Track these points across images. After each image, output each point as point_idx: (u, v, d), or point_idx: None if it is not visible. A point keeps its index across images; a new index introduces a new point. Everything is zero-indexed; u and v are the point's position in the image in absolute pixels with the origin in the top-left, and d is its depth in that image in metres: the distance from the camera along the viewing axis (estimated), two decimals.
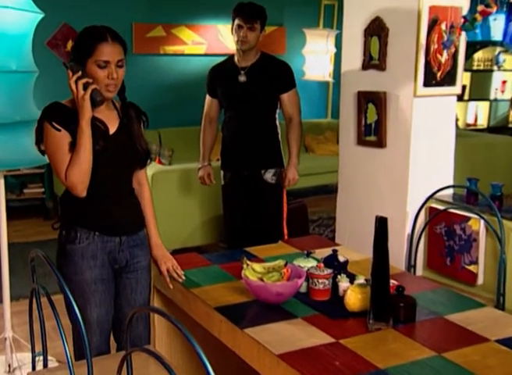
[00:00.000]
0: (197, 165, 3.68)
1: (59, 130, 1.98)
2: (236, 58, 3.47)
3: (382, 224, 1.79)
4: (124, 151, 2.11)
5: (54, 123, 1.98)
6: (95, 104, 2.00)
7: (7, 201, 2.79)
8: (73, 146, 1.97)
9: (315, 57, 6.53)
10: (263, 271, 2.06)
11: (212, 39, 6.47)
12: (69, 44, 5.82)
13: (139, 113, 2.21)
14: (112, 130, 2.10)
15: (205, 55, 6.44)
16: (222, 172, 3.62)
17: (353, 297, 1.92)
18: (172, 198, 4.37)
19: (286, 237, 3.56)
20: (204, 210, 4.48)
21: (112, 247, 2.12)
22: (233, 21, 3.39)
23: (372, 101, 3.11)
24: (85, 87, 1.97)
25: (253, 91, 3.40)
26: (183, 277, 2.23)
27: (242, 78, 3.41)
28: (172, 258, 2.29)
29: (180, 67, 6.44)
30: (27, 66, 2.70)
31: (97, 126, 2.05)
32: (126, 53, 2.06)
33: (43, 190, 5.72)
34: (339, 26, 5.12)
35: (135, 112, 2.18)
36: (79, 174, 1.97)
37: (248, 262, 2.08)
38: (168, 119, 6.11)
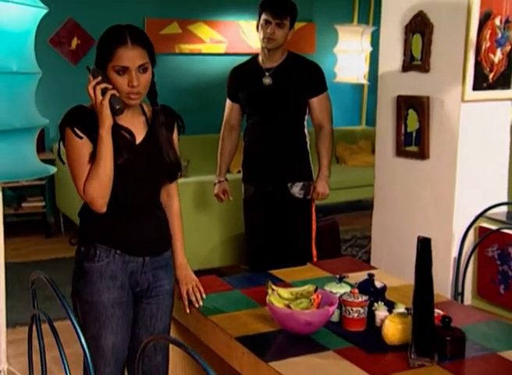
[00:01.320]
0: (214, 179, 3.71)
1: (81, 138, 2.01)
2: (260, 59, 3.49)
3: (424, 246, 1.78)
4: (151, 163, 2.13)
5: (76, 130, 2.01)
6: (114, 112, 2.03)
7: (3, 216, 2.82)
8: (94, 157, 2.01)
9: (348, 57, 6.55)
10: (290, 297, 2.06)
11: (233, 37, 6.54)
12: (74, 42, 5.93)
13: (172, 118, 2.23)
14: (139, 138, 2.12)
15: (225, 54, 6.51)
16: (243, 185, 3.64)
17: (393, 328, 1.91)
18: (188, 214, 4.37)
19: (315, 258, 3.56)
20: (224, 228, 4.50)
21: (134, 267, 2.14)
22: (260, 16, 3.42)
23: (413, 107, 3.11)
24: (103, 92, 2.00)
25: (279, 94, 3.42)
26: (200, 302, 2.25)
27: (267, 80, 3.43)
28: (196, 279, 2.31)
29: (197, 68, 6.51)
30: (29, 67, 2.73)
31: (122, 136, 2.07)
32: (152, 55, 2.08)
33: (43, 204, 5.78)
34: (376, 22, 5.13)
35: (166, 117, 2.19)
36: (98, 188, 2.00)
37: (273, 286, 2.08)
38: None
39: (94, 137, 2.01)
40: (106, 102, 1.99)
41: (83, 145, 2.01)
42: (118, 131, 2.05)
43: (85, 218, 2.16)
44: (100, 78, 2.01)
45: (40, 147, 5.16)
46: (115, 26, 2.07)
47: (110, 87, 2.01)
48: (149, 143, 2.13)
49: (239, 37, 6.55)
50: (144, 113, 2.17)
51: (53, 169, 2.86)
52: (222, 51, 6.52)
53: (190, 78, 6.47)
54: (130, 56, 2.00)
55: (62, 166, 5.26)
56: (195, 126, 6.34)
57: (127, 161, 2.04)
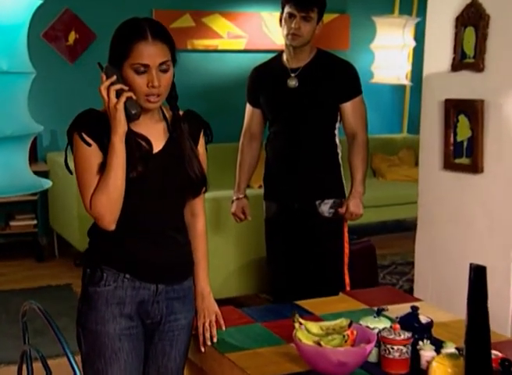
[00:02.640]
0: (231, 195, 3.72)
1: (89, 145, 2.03)
2: (284, 57, 3.51)
3: (478, 275, 1.77)
4: (169, 175, 2.13)
5: (84, 135, 2.03)
6: (130, 117, 2.04)
7: None
8: (104, 167, 2.03)
9: (388, 53, 6.56)
10: (320, 333, 2.05)
11: (254, 31, 6.59)
12: (72, 37, 6.00)
13: (198, 126, 2.24)
14: (157, 147, 2.13)
15: (245, 51, 6.57)
16: (265, 203, 3.65)
17: (441, 371, 1.89)
18: None
19: (348, 287, 3.55)
20: (242, 251, 4.51)
21: (145, 296, 2.15)
22: (283, 9, 3.44)
23: (465, 113, 3.10)
24: (118, 94, 2.02)
25: (306, 99, 3.43)
26: (215, 339, 2.26)
27: (292, 82, 3.45)
28: (217, 311, 2.32)
29: (212, 67, 6.57)
30: (22, 66, 2.75)
31: (137, 144, 2.08)
32: (173, 52, 2.10)
33: (35, 222, 5.82)
34: (421, 13, 5.13)
35: (191, 125, 2.21)
36: (106, 203, 2.02)
37: (301, 320, 2.08)
38: None
39: (105, 145, 2.03)
40: (121, 106, 2.00)
41: (92, 154, 2.04)
42: (133, 139, 2.06)
43: (93, 236, 2.18)
44: (115, 78, 2.02)
45: (33, 157, 5.23)
46: (131, 19, 2.09)
47: (126, 88, 2.03)
48: (169, 152, 2.14)
49: (261, 31, 6.60)
50: (165, 119, 2.19)
51: (47, 183, 2.88)
52: (241, 47, 6.58)
53: (204, 79, 6.53)
54: (151, 53, 2.01)
55: (57, 180, 5.31)
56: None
57: (142, 173, 2.06)
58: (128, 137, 2.04)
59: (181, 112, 2.22)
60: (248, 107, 3.66)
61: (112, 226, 2.05)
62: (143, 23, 2.04)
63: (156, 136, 2.13)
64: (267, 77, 3.55)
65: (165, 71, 2.05)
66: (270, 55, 3.68)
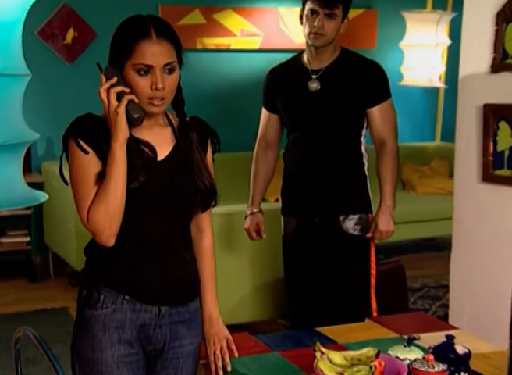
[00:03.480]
0: (245, 209, 3.73)
1: (87, 153, 2.05)
2: (305, 57, 3.52)
3: None
4: (175, 186, 2.14)
5: (81, 142, 2.05)
6: (132, 122, 2.06)
7: None
8: (103, 177, 2.04)
9: (419, 53, 6.54)
10: (344, 363, 2.04)
11: (271, 28, 6.61)
12: (70, 35, 6.03)
13: (206, 133, 2.27)
14: (162, 155, 2.14)
15: (260, 50, 6.59)
16: (282, 218, 3.65)
17: None
18: None
19: (375, 312, 3.54)
20: (257, 272, 4.50)
21: (146, 319, 2.15)
22: (304, 5, 3.45)
23: (506, 119, 3.09)
24: (119, 97, 2.04)
25: (329, 103, 3.43)
26: (229, 368, 2.25)
27: (314, 85, 3.45)
28: (228, 336, 2.32)
29: (224, 68, 6.59)
30: (16, 68, 2.75)
31: (140, 151, 2.10)
32: (180, 52, 2.12)
33: (28, 239, 5.82)
34: (457, 7, 5.13)
35: (199, 132, 2.23)
36: (105, 216, 2.03)
37: (323, 349, 2.07)
38: None
39: (104, 153, 2.04)
40: (122, 110, 2.02)
41: (90, 162, 2.05)
42: (135, 146, 2.08)
43: (90, 254, 2.19)
44: (115, 79, 2.04)
45: (26, 167, 5.24)
46: (134, 16, 2.11)
47: (127, 90, 2.05)
48: (175, 161, 2.16)
49: (278, 28, 6.62)
50: (171, 125, 2.21)
51: (43, 196, 2.88)
52: (256, 46, 6.60)
53: (214, 81, 6.55)
54: (155, 52, 2.03)
55: (53, 192, 5.32)
56: (221, 143, 6.40)
57: (145, 183, 2.07)
58: (129, 143, 2.05)
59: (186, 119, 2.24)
60: (264, 112, 3.67)
61: (111, 242, 2.06)
62: (146, 20, 2.06)
63: (161, 142, 2.15)
64: (285, 79, 3.56)
65: (170, 72, 2.07)
66: (288, 56, 3.69)
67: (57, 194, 5.01)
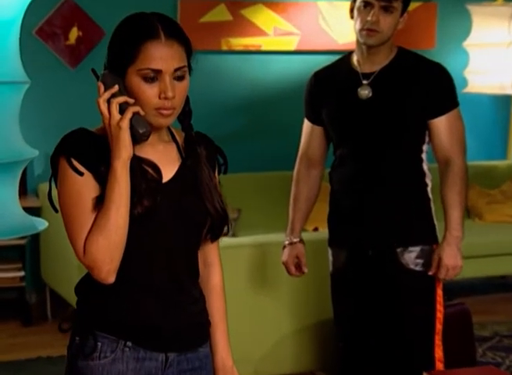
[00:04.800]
0: (282, 239, 3.72)
1: (81, 174, 2.06)
2: (355, 59, 3.52)
3: None
4: (183, 212, 2.17)
5: (74, 162, 2.06)
6: (136, 138, 2.07)
7: None
8: (101, 202, 2.06)
9: (488, 54, 6.50)
10: None
11: (309, 26, 6.61)
12: (74, 34, 6.06)
13: (213, 151, 2.30)
14: (167, 176, 2.17)
15: (297, 52, 6.60)
16: (330, 250, 3.64)
17: None
18: (240, 293, 4.38)
19: (439, 363, 3.51)
20: (296, 314, 4.48)
21: (152, 369, 2.16)
22: None
23: None
24: (122, 109, 2.05)
25: (383, 113, 3.43)
26: None
27: (364, 92, 3.44)
28: None
29: (254, 73, 6.61)
30: (12, 74, 2.77)
31: (142, 172, 2.12)
32: (190, 56, 2.14)
33: (22, 274, 5.82)
34: None
35: (207, 150, 2.26)
36: (105, 248, 2.03)
37: None
38: (233, 160, 6.13)
39: (103, 174, 2.06)
40: (126, 124, 2.03)
41: (85, 185, 2.06)
42: (137, 165, 2.09)
43: (83, 293, 2.20)
44: (116, 88, 2.06)
45: (22, 189, 5.27)
46: (137, 14, 2.13)
47: (132, 101, 2.06)
48: (182, 182, 2.18)
49: (317, 26, 6.62)
50: (175, 141, 2.24)
51: (42, 224, 2.88)
52: (292, 47, 6.60)
53: (243, 88, 6.57)
54: (164, 55, 2.06)
55: (52, 218, 5.35)
56: (250, 160, 6.43)
57: (149, 209, 2.08)
58: (131, 163, 2.06)
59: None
60: (306, 124, 3.67)
61: (112, 278, 2.07)
62: (153, 19, 2.09)
63: (165, 162, 2.17)
64: (331, 85, 3.55)
65: (180, 79, 2.10)
66: (329, 58, 3.69)
67: (56, 221, 4.97)
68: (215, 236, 2.28)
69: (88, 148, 2.08)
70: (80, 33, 6.07)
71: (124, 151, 2.04)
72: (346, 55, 3.59)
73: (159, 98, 2.07)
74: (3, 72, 2.71)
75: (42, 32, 6.00)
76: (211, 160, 2.28)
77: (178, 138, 2.24)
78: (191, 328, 2.23)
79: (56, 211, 2.18)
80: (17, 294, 5.93)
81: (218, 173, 2.33)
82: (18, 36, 2.78)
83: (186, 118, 2.22)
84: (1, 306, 5.97)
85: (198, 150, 2.22)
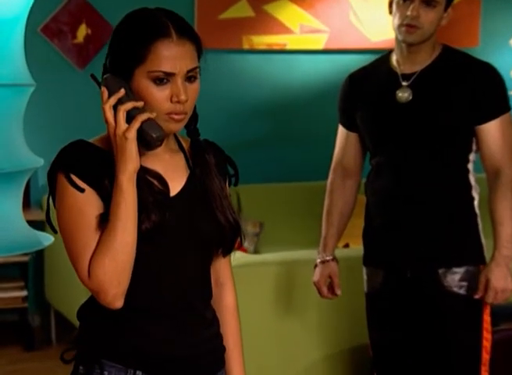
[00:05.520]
0: (310, 256, 3.73)
1: (82, 190, 2.06)
2: (394, 59, 3.51)
3: None
4: (194, 225, 2.18)
5: (73, 177, 2.06)
6: (150, 144, 2.07)
7: None
8: (105, 219, 2.06)
9: None
10: None
11: (339, 22, 6.63)
12: (82, 32, 6.10)
13: (222, 160, 2.31)
14: (176, 188, 2.18)
15: (325, 51, 6.62)
16: (365, 270, 3.63)
17: None
18: (264, 315, 4.40)
19: None
20: (327, 339, 4.49)
21: None
22: None
23: None
24: (130, 116, 2.05)
25: (424, 118, 3.42)
26: None
27: (404, 94, 3.43)
28: None
29: (279, 74, 6.62)
30: (16, 76, 2.80)
31: (150, 185, 2.13)
32: (200, 56, 2.15)
33: (25, 294, 5.85)
34: None
35: (216, 158, 2.27)
36: (112, 270, 2.03)
37: None
38: (255, 169, 6.16)
39: (106, 189, 2.06)
40: (133, 134, 2.02)
41: (87, 202, 2.06)
42: (142, 178, 2.10)
43: (88, 318, 2.20)
44: (123, 92, 2.06)
45: (25, 201, 5.27)
46: (142, 10, 2.14)
47: (140, 104, 2.06)
48: (191, 194, 2.20)
49: (348, 22, 6.64)
50: (182, 150, 2.26)
51: (48, 239, 2.89)
52: (320, 46, 6.62)
53: (266, 91, 6.58)
54: (177, 56, 2.07)
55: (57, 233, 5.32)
56: (274, 170, 6.45)
57: (157, 224, 2.09)
58: (140, 175, 2.07)
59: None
60: (341, 131, 3.66)
61: (119, 303, 2.07)
62: (161, 16, 2.10)
63: (173, 173, 2.19)
64: (367, 88, 3.55)
65: (192, 81, 2.11)
66: (361, 57, 3.70)
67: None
68: (227, 250, 2.29)
69: (89, 161, 2.08)
70: (89, 31, 6.11)
71: (130, 163, 2.03)
72: (385, 55, 3.58)
73: (171, 101, 2.07)
74: (6, 73, 2.73)
75: (48, 29, 6.04)
76: (221, 169, 2.29)
77: (185, 146, 2.26)
78: (205, 354, 2.24)
79: (55, 232, 2.18)
80: (19, 316, 5.97)
81: (229, 185, 2.34)
82: (23, 35, 2.79)
83: (192, 122, 2.22)
84: (2, 329, 6.00)
85: (207, 158, 2.24)
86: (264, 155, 6.34)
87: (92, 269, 2.03)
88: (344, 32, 6.62)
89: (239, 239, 2.30)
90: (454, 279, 3.44)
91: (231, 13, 6.41)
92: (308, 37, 6.59)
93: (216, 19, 6.31)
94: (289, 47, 6.58)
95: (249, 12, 6.46)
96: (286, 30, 6.55)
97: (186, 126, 2.21)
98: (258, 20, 6.49)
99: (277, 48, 6.57)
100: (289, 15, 6.54)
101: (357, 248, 3.73)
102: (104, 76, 2.11)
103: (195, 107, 2.20)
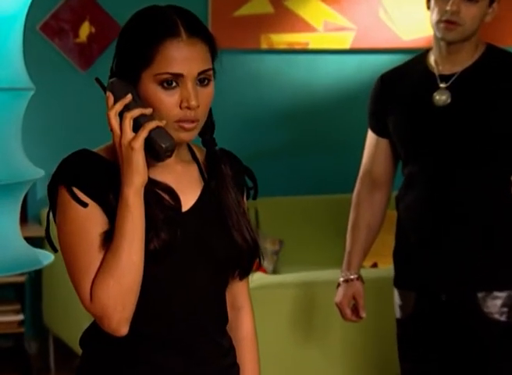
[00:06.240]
0: (333, 276, 3.72)
1: (85, 205, 2.05)
2: (432, 59, 3.50)
3: None
4: (208, 245, 2.17)
5: (76, 191, 2.04)
6: (159, 155, 2.06)
7: None
8: (110, 237, 2.06)
9: None
10: None
11: (368, 19, 6.62)
12: (85, 30, 6.12)
13: (240, 171, 2.30)
14: (188, 203, 2.17)
15: (352, 51, 6.61)
16: (396, 292, 3.61)
17: None
18: (282, 339, 4.40)
19: None
20: (349, 367, 4.48)
21: None
22: None
23: None
24: (137, 124, 2.04)
25: (464, 124, 3.40)
26: None
27: (442, 97, 3.41)
28: None
29: (301, 76, 6.62)
30: (14, 79, 2.80)
31: (159, 200, 2.12)
32: (215, 57, 2.14)
33: (21, 317, 5.85)
34: None
35: (233, 169, 2.27)
36: (117, 292, 2.02)
37: None
38: (274, 182, 6.15)
39: (111, 204, 2.06)
40: (140, 144, 2.02)
41: (90, 218, 2.05)
42: (151, 191, 2.09)
43: (90, 346, 2.20)
44: (130, 97, 2.06)
45: (22, 216, 5.29)
46: (151, 7, 2.13)
47: (149, 111, 2.06)
48: (205, 210, 2.19)
49: (377, 19, 6.63)
50: (196, 160, 2.25)
51: (48, 258, 2.88)
52: (346, 45, 6.61)
53: (286, 95, 6.57)
54: (187, 57, 2.06)
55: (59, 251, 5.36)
56: (294, 182, 6.44)
57: (167, 243, 2.08)
58: (145, 188, 2.05)
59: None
60: (370, 136, 3.65)
61: (124, 329, 2.05)
62: (170, 13, 2.09)
63: (185, 186, 2.18)
64: (401, 89, 3.54)
65: (204, 84, 2.10)
66: (391, 57, 3.71)
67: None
68: (244, 272, 2.27)
69: (93, 173, 2.07)
70: (93, 30, 6.13)
71: (137, 175, 2.02)
72: (422, 54, 3.57)
73: (180, 107, 2.06)
74: (3, 76, 2.74)
75: (48, 28, 6.05)
76: (239, 182, 2.28)
77: (199, 156, 2.25)
78: None
79: (56, 250, 2.18)
80: (14, 342, 5.98)
81: (247, 198, 2.32)
82: (21, 35, 2.79)
83: (208, 131, 2.21)
84: None
85: (223, 169, 2.23)
86: (285, 165, 6.34)
87: (95, 292, 2.02)
88: (373, 30, 6.59)
89: (257, 260, 2.29)
90: (495, 304, 3.42)
91: (248, 9, 6.40)
92: (333, 35, 6.58)
93: (231, 16, 6.32)
94: (311, 46, 6.58)
95: (268, 8, 6.45)
96: (308, 27, 6.54)
97: (202, 136, 2.21)
98: (278, 17, 6.48)
99: (299, 48, 6.57)
100: (312, 11, 6.53)
101: (387, 268, 3.71)
102: (110, 80, 2.11)
103: (211, 114, 2.20)
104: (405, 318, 3.57)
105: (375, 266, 5.38)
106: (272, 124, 6.34)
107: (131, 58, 2.09)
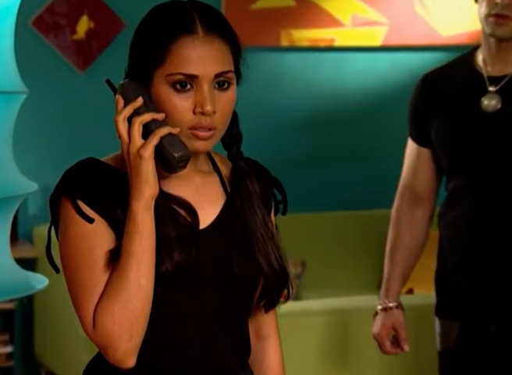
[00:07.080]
0: (366, 303, 3.71)
1: (91, 221, 2.05)
2: (480, 58, 3.50)
3: None
4: (228, 269, 2.16)
5: (81, 204, 2.05)
6: (171, 166, 2.05)
7: None
8: (117, 256, 2.05)
9: None
10: None
11: (402, 13, 6.63)
12: (83, 25, 6.13)
13: (268, 185, 2.30)
14: (207, 220, 2.17)
15: (384, 48, 6.63)
16: (438, 322, 3.61)
17: None
18: (311, 373, 4.38)
19: None
20: None
21: None
22: None
23: None
24: (148, 130, 2.04)
25: None
26: None
27: (491, 102, 3.41)
28: None
29: (326, 77, 6.64)
30: (4, 81, 2.80)
31: (173, 215, 2.11)
32: (238, 58, 2.15)
33: (10, 350, 5.88)
34: None
35: (260, 183, 2.26)
36: (123, 319, 2.01)
37: None
38: (296, 196, 6.10)
39: (119, 220, 2.06)
40: (150, 152, 2.01)
41: (96, 235, 2.06)
42: (164, 206, 2.09)
43: None
44: (140, 101, 2.05)
45: (12, 234, 5.29)
46: (171, 2, 2.13)
47: (161, 116, 2.05)
48: (226, 229, 2.19)
49: (413, 13, 6.63)
50: (217, 171, 2.25)
51: (42, 282, 2.90)
52: (377, 42, 6.63)
53: (309, 97, 6.60)
54: (203, 56, 2.06)
55: (51, 274, 5.43)
56: (321, 196, 6.48)
57: (181, 266, 2.07)
58: (157, 203, 2.04)
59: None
60: (411, 146, 3.65)
61: (131, 361, 2.04)
62: (187, 8, 2.10)
63: (204, 200, 2.18)
64: (445, 93, 3.54)
65: (224, 88, 2.09)
66: (428, 55, 3.70)
67: (58, 278, 5.04)
68: (270, 303, 2.26)
69: (100, 185, 2.07)
70: (92, 25, 6.14)
71: (146, 187, 2.01)
72: (469, 52, 3.57)
73: (194, 113, 2.05)
74: None
75: (41, 23, 6.07)
76: (267, 198, 2.27)
77: (221, 168, 2.25)
78: None
79: (57, 271, 2.17)
80: None
81: (275, 214, 2.32)
82: (13, 31, 2.81)
83: (234, 142, 2.22)
84: None
85: (250, 187, 2.21)
86: (308, 177, 6.37)
87: (98, 318, 2.01)
88: (408, 25, 6.59)
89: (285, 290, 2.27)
90: None
91: (266, 2, 6.43)
92: (363, 30, 6.60)
93: (248, 9, 6.34)
94: (338, 43, 6.59)
95: (288, 1, 6.47)
96: (334, 22, 6.55)
97: (227, 148, 2.21)
98: (300, 11, 6.50)
99: (323, 45, 6.59)
100: (339, 3, 6.56)
101: (426, 295, 3.70)
102: (122, 82, 2.10)
103: (237, 123, 2.21)
104: (448, 351, 3.57)
105: (410, 292, 5.37)
106: (293, 131, 6.36)
107: (143, 57, 2.09)
